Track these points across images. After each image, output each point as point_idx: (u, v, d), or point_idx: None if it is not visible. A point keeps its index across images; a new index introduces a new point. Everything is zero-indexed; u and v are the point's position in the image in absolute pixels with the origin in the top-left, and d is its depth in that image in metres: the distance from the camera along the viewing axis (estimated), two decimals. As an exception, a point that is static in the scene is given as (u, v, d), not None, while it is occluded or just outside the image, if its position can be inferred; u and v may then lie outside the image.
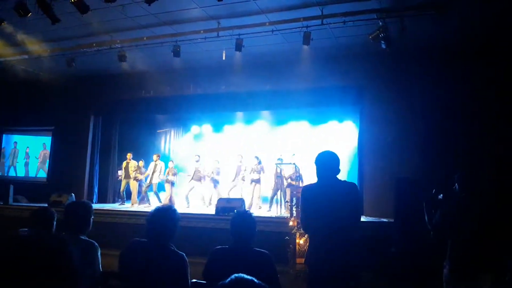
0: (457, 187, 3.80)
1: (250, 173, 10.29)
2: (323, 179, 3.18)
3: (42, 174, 12.51)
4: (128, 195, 11.11)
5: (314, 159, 3.23)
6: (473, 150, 7.85)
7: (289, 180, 9.67)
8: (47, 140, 12.71)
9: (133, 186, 10.82)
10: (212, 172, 10.69)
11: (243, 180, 10.46)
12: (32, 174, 12.69)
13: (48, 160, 12.52)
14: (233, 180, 10.72)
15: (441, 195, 3.91)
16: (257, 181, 10.21)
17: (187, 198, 10.61)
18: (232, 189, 10.68)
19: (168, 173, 10.73)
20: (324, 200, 3.08)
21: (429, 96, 8.54)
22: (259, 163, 10.31)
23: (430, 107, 8.53)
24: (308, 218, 3.20)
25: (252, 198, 10.09)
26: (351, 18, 7.22)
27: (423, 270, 5.34)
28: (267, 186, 10.53)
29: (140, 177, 10.82)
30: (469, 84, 8.16)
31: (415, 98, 8.67)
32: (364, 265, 3.17)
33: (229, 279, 1.32)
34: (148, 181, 10.81)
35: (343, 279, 2.98)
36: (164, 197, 10.70)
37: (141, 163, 11.06)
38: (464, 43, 8.17)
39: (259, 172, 10.23)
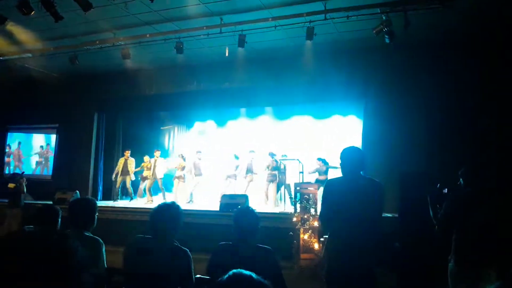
0: (462, 181, 3.78)
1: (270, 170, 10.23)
2: (348, 175, 3.19)
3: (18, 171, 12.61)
4: (126, 191, 11.14)
5: (340, 154, 3.24)
6: (479, 144, 7.80)
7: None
8: (21, 137, 13.09)
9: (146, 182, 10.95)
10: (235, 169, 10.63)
11: (255, 173, 10.42)
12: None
13: (23, 159, 12.82)
14: (245, 177, 10.56)
15: (446, 189, 3.89)
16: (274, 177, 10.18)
17: (191, 194, 10.60)
18: (248, 186, 10.51)
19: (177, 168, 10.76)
20: (348, 196, 3.08)
21: (434, 89, 8.49)
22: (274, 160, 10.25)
23: (435, 101, 8.48)
24: (330, 212, 3.18)
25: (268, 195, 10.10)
26: (354, 12, 7.17)
27: (428, 265, 5.33)
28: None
29: (147, 173, 10.87)
30: (475, 77, 8.09)
31: (420, 92, 8.62)
32: (380, 262, 3.15)
33: (227, 275, 1.32)
34: (151, 177, 10.83)
35: (361, 275, 2.97)
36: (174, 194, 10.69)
37: (146, 158, 11.10)
38: (470, 36, 8.09)
39: (275, 169, 10.17)
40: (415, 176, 7.00)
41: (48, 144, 12.98)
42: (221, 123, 13.14)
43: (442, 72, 8.46)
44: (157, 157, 10.96)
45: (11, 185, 8.63)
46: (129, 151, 11.16)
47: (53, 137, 12.88)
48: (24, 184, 8.56)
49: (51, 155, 12.84)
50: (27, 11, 6.89)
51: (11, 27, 8.10)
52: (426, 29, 7.95)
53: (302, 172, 9.23)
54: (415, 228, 6.25)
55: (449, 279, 3.57)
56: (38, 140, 13.21)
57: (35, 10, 6.93)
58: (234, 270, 1.32)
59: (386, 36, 7.29)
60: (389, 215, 7.80)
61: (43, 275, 1.89)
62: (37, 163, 13.06)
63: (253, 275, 1.30)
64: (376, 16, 7.23)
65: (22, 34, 8.62)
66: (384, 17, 7.12)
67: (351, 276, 2.95)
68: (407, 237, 6.27)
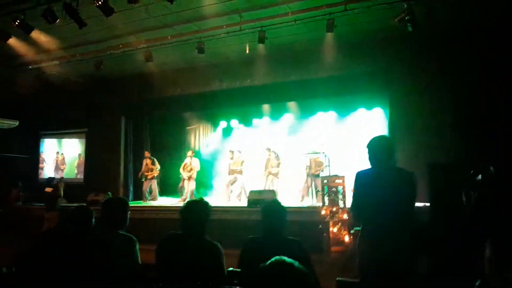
0: (492, 169, 3.70)
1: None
2: (378, 166, 3.08)
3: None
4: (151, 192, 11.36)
5: (367, 144, 3.14)
6: (509, 132, 7.55)
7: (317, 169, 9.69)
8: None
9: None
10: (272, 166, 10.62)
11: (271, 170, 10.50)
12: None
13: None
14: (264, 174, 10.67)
15: (480, 176, 3.81)
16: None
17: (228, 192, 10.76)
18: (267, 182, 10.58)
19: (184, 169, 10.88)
20: (378, 187, 2.99)
21: (461, 78, 8.26)
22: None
23: (462, 89, 8.25)
24: (362, 205, 3.11)
25: None
26: (374, 2, 7.06)
27: (463, 252, 5.22)
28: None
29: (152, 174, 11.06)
30: (505, 63, 7.81)
31: (447, 79, 8.41)
32: (418, 253, 3.07)
33: (269, 261, 1.33)
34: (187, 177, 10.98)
35: (396, 267, 2.89)
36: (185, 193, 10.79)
37: (147, 153, 11.33)
38: (495, 21, 7.83)
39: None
40: (446, 166, 6.87)
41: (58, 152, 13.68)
42: (245, 121, 13.18)
43: (469, 58, 8.19)
44: (191, 157, 11.05)
45: (48, 189, 8.93)
46: (149, 152, 11.39)
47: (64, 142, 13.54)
48: (61, 188, 8.85)
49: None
50: (52, 20, 7.09)
51: (38, 36, 8.36)
52: (451, 15, 7.74)
53: (329, 166, 9.19)
54: (448, 217, 6.13)
55: (486, 265, 3.49)
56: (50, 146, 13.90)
57: (59, 18, 7.13)
58: (277, 257, 1.34)
59: (409, 24, 7.14)
60: (420, 205, 7.66)
61: (80, 270, 1.97)
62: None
63: (295, 263, 1.32)
64: (397, 4, 7.09)
65: (48, 42, 8.89)
66: (405, 5, 6.97)
67: (386, 269, 2.88)
68: (440, 226, 6.17)
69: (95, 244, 2.58)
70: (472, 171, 3.88)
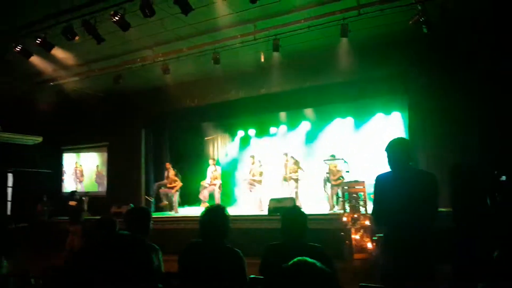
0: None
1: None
2: (397, 168, 3.06)
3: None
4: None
5: (385, 147, 3.13)
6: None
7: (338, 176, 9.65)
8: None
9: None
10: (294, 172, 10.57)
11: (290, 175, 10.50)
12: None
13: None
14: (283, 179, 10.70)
15: (504, 177, 3.74)
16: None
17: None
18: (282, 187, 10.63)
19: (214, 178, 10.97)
20: (399, 191, 2.96)
21: (481, 77, 8.09)
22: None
23: (483, 89, 8.08)
24: (382, 209, 3.07)
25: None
26: (388, 5, 7.03)
27: (488, 257, 5.08)
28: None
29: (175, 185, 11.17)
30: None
31: (466, 80, 8.25)
32: (440, 256, 3.01)
33: (291, 261, 1.34)
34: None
35: (419, 275, 2.85)
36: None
37: (168, 164, 11.42)
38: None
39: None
40: (468, 168, 6.71)
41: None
42: (263, 129, 13.21)
43: (489, 57, 8.04)
44: (214, 165, 11.25)
45: (72, 203, 9.09)
46: (169, 163, 11.51)
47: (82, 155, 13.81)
48: (85, 202, 9.01)
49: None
50: (71, 37, 7.30)
51: (58, 53, 8.59)
52: (468, 13, 7.62)
53: (348, 172, 9.11)
54: (471, 222, 5.99)
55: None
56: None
57: (78, 35, 7.33)
58: (299, 257, 1.34)
59: (424, 26, 7.08)
60: (443, 209, 7.49)
61: (105, 280, 2.01)
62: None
63: (317, 263, 1.32)
64: (411, 6, 7.04)
65: (68, 58, 9.12)
66: (419, 7, 6.92)
67: (409, 276, 2.84)
68: (463, 230, 6.03)
69: (118, 253, 2.61)
70: (496, 172, 3.80)
